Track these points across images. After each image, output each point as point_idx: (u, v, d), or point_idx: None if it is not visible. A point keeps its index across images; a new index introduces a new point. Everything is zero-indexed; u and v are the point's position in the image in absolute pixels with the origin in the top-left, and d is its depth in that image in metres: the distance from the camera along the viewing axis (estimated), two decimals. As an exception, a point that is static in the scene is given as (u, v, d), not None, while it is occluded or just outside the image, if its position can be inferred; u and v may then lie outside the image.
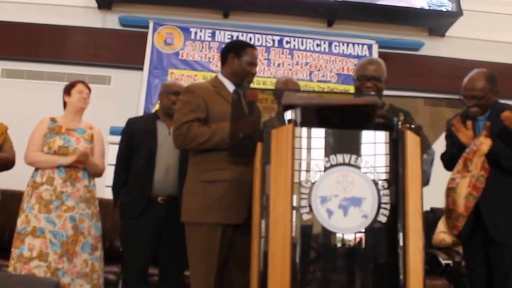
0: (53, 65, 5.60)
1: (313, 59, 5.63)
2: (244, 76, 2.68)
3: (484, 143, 2.66)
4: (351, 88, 5.35)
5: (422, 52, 5.98)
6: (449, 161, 2.98)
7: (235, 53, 2.69)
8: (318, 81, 5.58)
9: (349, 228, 1.85)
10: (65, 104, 3.35)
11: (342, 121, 1.94)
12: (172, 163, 3.20)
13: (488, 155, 2.66)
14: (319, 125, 1.91)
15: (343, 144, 1.91)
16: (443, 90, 5.50)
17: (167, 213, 3.14)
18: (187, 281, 3.37)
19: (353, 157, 1.89)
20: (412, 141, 1.91)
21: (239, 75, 2.68)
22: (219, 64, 5.46)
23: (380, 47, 5.78)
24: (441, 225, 4.18)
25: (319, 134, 1.91)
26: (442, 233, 4.07)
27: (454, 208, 2.70)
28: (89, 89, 3.36)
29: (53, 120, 3.26)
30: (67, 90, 3.33)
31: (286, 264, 1.77)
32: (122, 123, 4.60)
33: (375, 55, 5.65)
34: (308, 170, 1.87)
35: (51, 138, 3.15)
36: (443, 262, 3.84)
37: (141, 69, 5.47)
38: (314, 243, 1.87)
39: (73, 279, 2.97)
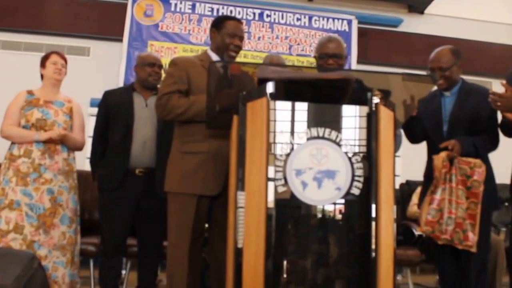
0: (30, 35, 5.51)
1: (293, 33, 5.63)
2: (224, 49, 2.67)
3: (436, 159, 2.77)
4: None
5: (401, 28, 6.03)
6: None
7: (215, 27, 2.70)
8: (297, 55, 5.60)
9: (323, 200, 1.90)
10: (42, 76, 3.29)
11: (317, 96, 1.97)
12: (149, 135, 3.21)
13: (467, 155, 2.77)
14: (294, 99, 1.94)
15: (318, 118, 1.93)
16: (421, 67, 5.52)
17: (145, 185, 3.17)
18: (165, 251, 3.43)
19: (328, 130, 1.92)
20: (385, 116, 1.95)
21: (220, 49, 2.68)
22: (199, 37, 5.58)
23: (359, 22, 5.80)
24: (415, 198, 4.28)
25: (294, 107, 1.93)
26: (416, 206, 4.17)
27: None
28: (65, 60, 3.28)
29: (30, 92, 3.20)
30: (42, 62, 3.27)
31: (261, 235, 1.81)
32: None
33: (354, 30, 5.68)
34: (282, 143, 1.90)
35: (29, 111, 3.10)
36: (416, 233, 3.95)
37: (121, 40, 5.42)
38: (289, 215, 1.91)
39: (50, 251, 2.97)
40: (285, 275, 1.90)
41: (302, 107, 1.93)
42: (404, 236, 4.11)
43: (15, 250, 1.97)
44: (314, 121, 1.93)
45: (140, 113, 3.26)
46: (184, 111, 2.54)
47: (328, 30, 5.65)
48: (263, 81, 1.92)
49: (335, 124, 1.94)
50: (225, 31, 2.66)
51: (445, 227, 2.76)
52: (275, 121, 1.89)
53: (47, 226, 2.97)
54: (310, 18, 5.68)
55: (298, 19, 5.65)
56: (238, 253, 1.88)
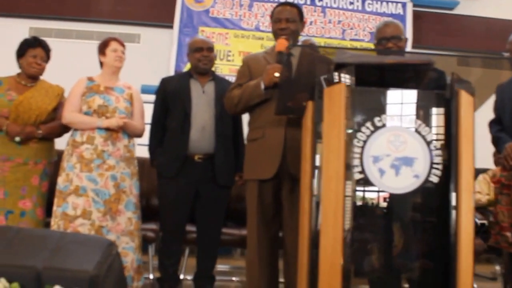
0: (81, 23, 5.58)
1: (346, 17, 5.52)
2: (275, 36, 2.76)
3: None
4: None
5: (457, 11, 5.82)
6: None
7: (270, 18, 2.82)
8: (351, 39, 5.49)
9: (400, 187, 1.85)
10: (101, 63, 3.31)
11: (395, 81, 1.91)
12: (207, 122, 3.21)
13: None
14: (371, 84, 1.88)
15: (396, 103, 1.88)
16: (478, 50, 5.38)
17: (204, 172, 3.17)
18: (223, 238, 3.45)
19: (406, 116, 1.86)
20: (466, 100, 1.87)
21: (274, 36, 2.77)
22: (250, 22, 5.53)
23: (414, 5, 5.64)
24: (477, 186, 4.17)
25: (371, 93, 1.88)
26: (478, 193, 4.06)
27: None
28: (124, 46, 3.31)
29: (90, 79, 3.23)
30: (102, 50, 3.27)
31: (339, 223, 1.77)
32: (152, 82, 4.60)
33: (409, 13, 5.53)
34: (360, 130, 1.85)
35: (91, 97, 3.12)
36: (479, 222, 3.85)
37: (171, 27, 5.43)
38: (366, 203, 1.86)
39: (119, 237, 2.99)
40: (362, 263, 1.87)
41: (379, 93, 1.88)
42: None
43: (92, 236, 2.00)
44: (392, 107, 1.87)
45: (197, 99, 3.25)
46: (238, 100, 2.70)
47: (382, 13, 5.51)
48: (340, 66, 1.86)
49: (413, 110, 1.88)
50: (273, 19, 2.78)
51: None
52: (352, 107, 1.84)
53: (113, 212, 3.00)
54: (363, 2, 5.55)
55: (351, 3, 5.53)
56: (314, 240, 1.85)
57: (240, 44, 5.42)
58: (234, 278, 4.10)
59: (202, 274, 3.33)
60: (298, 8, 2.79)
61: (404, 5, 5.59)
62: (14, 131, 3.08)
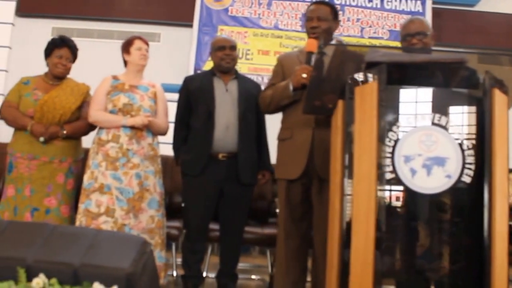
0: (102, 23, 5.62)
1: (364, 15, 5.50)
2: (307, 34, 2.78)
3: None
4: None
5: (478, 8, 5.76)
6: None
7: (304, 16, 2.87)
8: (369, 37, 5.46)
9: (432, 187, 1.84)
10: (125, 62, 3.33)
11: (427, 79, 1.90)
12: (231, 120, 3.21)
13: None
14: (403, 83, 1.88)
15: (427, 102, 1.87)
16: (499, 48, 5.32)
17: (228, 170, 3.17)
18: (246, 236, 3.46)
19: (437, 116, 1.86)
20: (499, 99, 1.86)
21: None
22: (269, 20, 5.53)
23: (434, 2, 5.58)
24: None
25: (403, 92, 1.87)
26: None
27: None
28: (147, 44, 3.32)
29: (115, 78, 3.25)
30: (126, 48, 3.28)
31: (371, 223, 1.77)
32: (173, 80, 4.63)
33: (428, 11, 5.49)
34: (391, 129, 1.85)
35: (116, 96, 3.14)
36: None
37: (191, 26, 5.45)
38: (397, 203, 1.86)
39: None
40: (391, 264, 1.86)
41: (411, 92, 1.87)
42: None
43: (127, 235, 2.02)
44: (423, 106, 1.87)
45: (221, 98, 3.26)
46: (270, 100, 2.77)
47: (400, 11, 5.47)
48: (371, 65, 1.86)
49: (445, 109, 1.87)
50: (306, 18, 2.79)
51: None
52: (383, 106, 1.84)
53: (136, 210, 3.02)
54: (382, -1, 5.54)
55: (369, 1, 5.50)
56: (345, 240, 1.85)
57: (259, 43, 5.42)
58: (253, 276, 4.11)
59: (225, 272, 3.33)
60: (331, 6, 2.79)
61: (423, 2, 5.54)
62: (38, 131, 3.11)
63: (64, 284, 1.57)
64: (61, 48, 3.26)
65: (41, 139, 3.11)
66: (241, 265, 3.42)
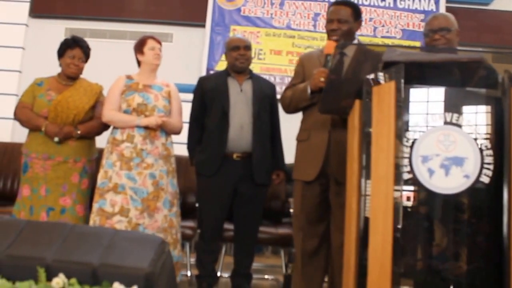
0: (115, 23, 5.64)
1: (377, 14, 5.47)
2: (328, 35, 2.77)
3: None
4: (417, 45, 5.22)
5: (493, 6, 5.70)
6: None
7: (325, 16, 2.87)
8: (382, 37, 5.43)
9: (450, 187, 1.82)
10: (138, 62, 3.34)
11: (445, 79, 1.89)
12: (246, 120, 3.20)
13: None
14: (421, 82, 1.86)
15: (446, 102, 1.86)
16: (513, 47, 5.28)
17: (243, 170, 3.17)
18: (260, 236, 3.46)
19: (455, 115, 1.84)
20: (519, 99, 1.84)
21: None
22: (281, 20, 5.53)
23: (447, 1, 5.54)
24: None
25: (420, 91, 1.86)
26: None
27: None
28: (160, 43, 3.33)
29: (129, 77, 3.26)
30: (139, 49, 3.29)
31: (389, 223, 1.76)
32: (185, 81, 4.64)
33: (442, 9, 5.44)
34: (408, 129, 1.84)
35: (130, 96, 3.15)
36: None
37: (203, 26, 5.45)
38: (415, 203, 1.85)
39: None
40: (409, 265, 1.85)
41: (428, 91, 1.86)
42: None
43: (145, 234, 2.02)
44: (441, 105, 1.85)
45: (235, 98, 3.25)
46: (289, 101, 2.80)
47: (414, 10, 5.44)
48: (389, 64, 1.85)
49: (463, 108, 1.86)
50: (326, 19, 2.79)
51: None
52: (401, 106, 1.83)
53: (151, 210, 3.03)
54: (395, -2, 5.51)
55: (382, 0, 5.49)
56: (362, 241, 1.85)
57: (271, 43, 5.41)
58: (266, 276, 4.11)
59: (239, 272, 3.34)
60: (352, 7, 2.74)
61: (437, 1, 5.50)
62: (52, 131, 3.13)
63: (83, 284, 1.58)
64: (73, 49, 3.28)
65: (56, 139, 3.13)
66: (254, 264, 3.42)
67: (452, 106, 1.85)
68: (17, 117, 3.28)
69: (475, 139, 1.84)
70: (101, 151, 3.27)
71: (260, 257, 4.71)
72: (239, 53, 3.29)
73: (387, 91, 1.81)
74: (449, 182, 1.82)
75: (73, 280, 1.58)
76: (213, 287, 3.31)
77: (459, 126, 1.84)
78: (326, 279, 2.79)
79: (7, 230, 1.80)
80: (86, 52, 3.34)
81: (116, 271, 1.60)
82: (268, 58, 5.39)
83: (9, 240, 1.75)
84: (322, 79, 2.44)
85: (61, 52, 3.30)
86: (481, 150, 1.83)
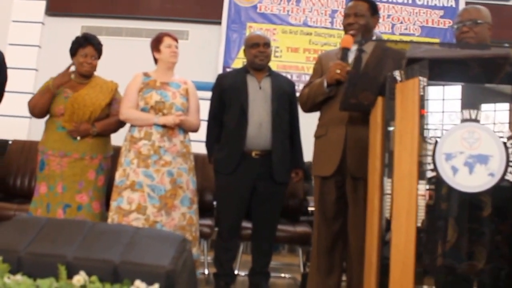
0: (131, 21, 5.67)
1: (395, 11, 5.42)
2: (344, 30, 2.77)
3: None
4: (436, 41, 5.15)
5: (513, 2, 5.64)
6: None
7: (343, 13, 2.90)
8: (400, 34, 5.39)
9: (475, 186, 1.79)
10: (155, 60, 3.33)
11: (470, 75, 1.85)
12: (264, 118, 3.18)
13: None
14: (445, 79, 1.83)
15: (470, 99, 1.82)
16: (536, 43, 5.18)
17: (261, 168, 3.15)
18: (278, 235, 3.44)
19: (480, 112, 1.80)
20: (546, 96, 1.80)
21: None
22: (298, 17, 5.51)
23: (468, -3, 5.47)
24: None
25: (445, 88, 1.83)
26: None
27: None
28: (177, 40, 3.31)
29: (146, 75, 3.25)
30: (156, 46, 3.28)
31: (412, 222, 1.74)
32: (201, 78, 4.63)
33: (462, 5, 5.36)
34: (432, 126, 1.81)
35: (148, 93, 3.14)
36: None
37: (219, 23, 5.45)
38: (439, 202, 1.81)
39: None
40: (431, 263, 1.82)
41: (453, 88, 1.82)
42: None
43: (166, 232, 2.02)
44: (466, 102, 1.82)
45: (254, 95, 3.23)
46: (307, 98, 2.78)
47: (433, 6, 5.37)
48: (412, 61, 1.82)
49: (488, 105, 1.82)
50: (344, 15, 2.78)
51: None
52: (425, 103, 1.80)
53: (168, 208, 3.02)
54: (413, -5, 5.45)
55: (400, -4, 5.44)
56: (384, 239, 1.82)
57: (288, 40, 5.39)
58: (282, 275, 4.09)
59: (257, 270, 3.32)
60: (370, 2, 2.74)
61: (456, -3, 5.45)
62: (72, 131, 3.16)
63: (104, 282, 1.58)
64: (85, 47, 3.28)
65: (78, 138, 3.15)
66: (271, 263, 3.40)
67: (477, 103, 1.82)
68: (30, 104, 3.28)
69: (501, 136, 1.80)
70: (116, 149, 3.28)
71: (277, 255, 4.69)
72: (258, 50, 3.27)
73: (411, 87, 1.78)
74: (474, 180, 1.78)
75: (94, 278, 1.58)
76: (230, 286, 3.29)
77: (484, 123, 1.80)
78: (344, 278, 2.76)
79: (28, 228, 1.80)
80: (98, 49, 3.34)
81: (137, 269, 1.59)
82: (285, 56, 5.37)
83: (30, 237, 1.75)
84: (338, 71, 2.45)
85: (73, 51, 3.31)
86: (506, 148, 1.79)
